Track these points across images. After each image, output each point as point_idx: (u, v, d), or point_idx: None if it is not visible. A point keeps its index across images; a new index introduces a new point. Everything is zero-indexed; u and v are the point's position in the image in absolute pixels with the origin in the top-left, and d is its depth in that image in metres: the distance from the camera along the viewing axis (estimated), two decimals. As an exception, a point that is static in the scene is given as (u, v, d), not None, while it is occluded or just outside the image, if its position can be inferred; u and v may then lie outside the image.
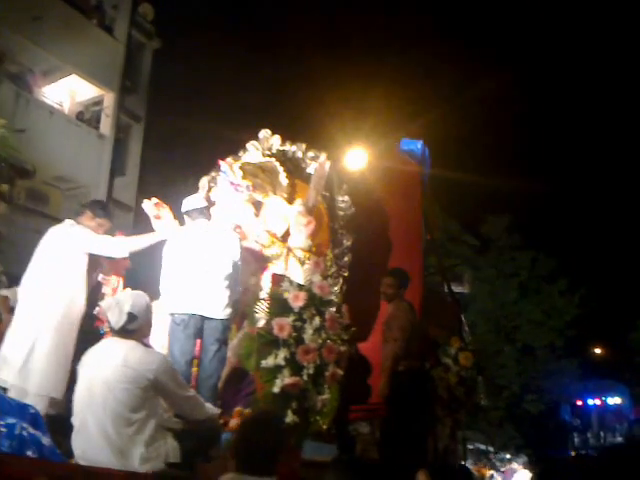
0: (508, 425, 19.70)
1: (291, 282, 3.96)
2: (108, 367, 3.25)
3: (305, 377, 3.77)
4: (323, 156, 5.55)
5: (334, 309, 4.02)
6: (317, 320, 3.84)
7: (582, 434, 27.75)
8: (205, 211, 4.99)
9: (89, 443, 3.19)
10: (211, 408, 3.67)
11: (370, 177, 6.13)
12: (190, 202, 5.01)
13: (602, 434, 28.30)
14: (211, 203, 5.69)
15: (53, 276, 4.40)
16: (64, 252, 4.49)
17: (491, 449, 20.19)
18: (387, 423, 5.16)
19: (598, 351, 26.72)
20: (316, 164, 5.55)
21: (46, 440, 3.48)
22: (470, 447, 17.27)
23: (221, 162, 5.67)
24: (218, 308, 4.56)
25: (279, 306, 3.91)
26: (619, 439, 27.44)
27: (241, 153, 5.94)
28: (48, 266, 4.45)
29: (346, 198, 5.51)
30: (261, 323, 4.83)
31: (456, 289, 8.18)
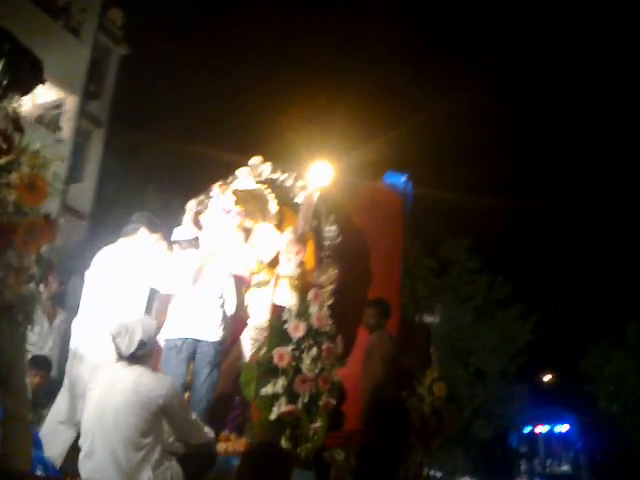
0: (457, 450, 20.15)
1: (291, 312, 4.22)
2: (119, 392, 3.43)
3: (300, 405, 4.03)
4: (312, 186, 5.82)
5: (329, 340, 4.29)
6: (314, 350, 4.11)
7: (529, 461, 28.59)
8: (194, 242, 5.22)
9: (98, 466, 3.36)
10: (209, 432, 3.89)
11: (352, 206, 6.40)
12: (180, 233, 5.25)
13: (549, 462, 29.23)
14: (199, 226, 5.92)
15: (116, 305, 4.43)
16: (129, 283, 4.54)
17: (440, 474, 20.61)
18: (363, 451, 5.39)
19: (547, 378, 27.70)
20: (305, 193, 5.82)
21: (47, 459, 3.66)
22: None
23: (214, 187, 5.90)
24: (210, 330, 4.81)
25: (278, 336, 4.16)
26: (565, 467, 28.43)
27: (230, 179, 6.17)
28: (112, 295, 4.49)
29: (333, 228, 5.78)
30: (249, 351, 5.11)
31: (427, 319, 8.53)
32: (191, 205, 6.23)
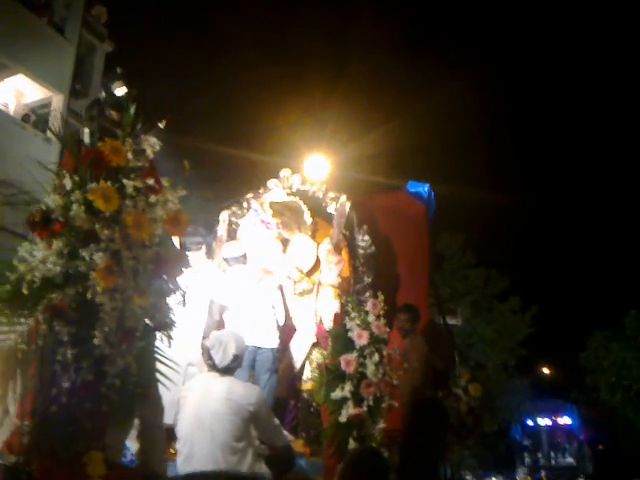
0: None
1: (353, 320, 4.80)
2: (213, 400, 3.97)
3: (365, 408, 4.62)
4: (343, 197, 6.39)
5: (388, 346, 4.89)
6: (376, 356, 4.70)
7: (532, 454, 29.59)
8: (242, 259, 5.80)
9: (198, 469, 3.88)
10: (287, 435, 4.46)
11: (380, 216, 6.96)
12: (230, 250, 5.81)
13: (552, 454, 30.28)
14: (233, 237, 6.46)
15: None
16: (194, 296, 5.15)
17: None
18: (405, 449, 5.99)
19: (547, 371, 28.68)
20: (336, 204, 6.39)
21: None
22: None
23: (250, 200, 6.44)
24: (269, 337, 5.42)
25: (343, 343, 4.74)
26: (569, 459, 29.49)
27: (261, 190, 6.69)
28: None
29: (366, 237, 6.33)
30: (300, 357, 5.71)
31: (450, 321, 9.17)
32: (224, 216, 6.74)
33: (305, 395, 5.85)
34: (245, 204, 6.66)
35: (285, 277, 6.18)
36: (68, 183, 2.80)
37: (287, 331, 6.02)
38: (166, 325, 2.98)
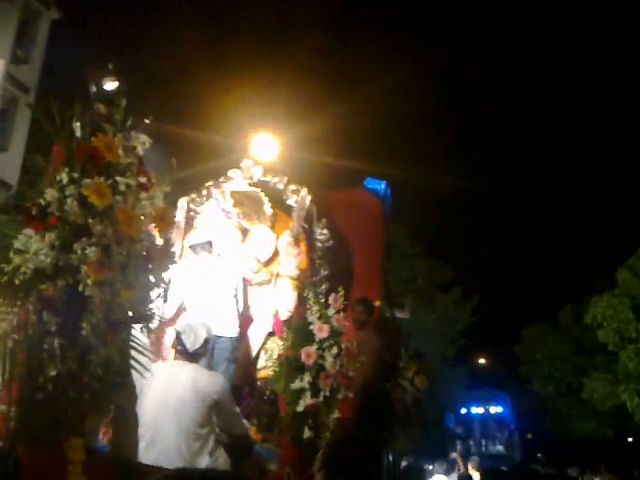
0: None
1: (313, 314, 5.05)
2: (179, 387, 4.18)
3: (321, 398, 4.89)
4: (304, 190, 6.61)
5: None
6: (335, 349, 4.97)
7: (464, 441, 30.82)
8: (207, 246, 5.96)
9: (161, 454, 4.07)
10: (246, 423, 4.70)
11: (338, 211, 7.21)
12: (195, 237, 5.97)
13: (484, 442, 31.66)
14: (190, 226, 6.61)
15: None
16: None
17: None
18: (353, 437, 6.31)
19: (483, 361, 29.85)
20: (297, 197, 6.60)
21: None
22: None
23: (211, 189, 6.59)
24: (228, 326, 5.61)
25: (303, 336, 4.99)
26: (499, 447, 30.90)
27: (222, 179, 6.84)
28: None
29: (325, 231, 6.59)
30: (256, 346, 5.95)
31: (398, 315, 9.54)
32: (182, 203, 6.86)
33: (259, 383, 6.11)
34: (205, 192, 6.81)
35: (247, 268, 6.37)
36: (64, 177, 2.92)
37: (244, 320, 6.23)
38: (147, 317, 3.16)
